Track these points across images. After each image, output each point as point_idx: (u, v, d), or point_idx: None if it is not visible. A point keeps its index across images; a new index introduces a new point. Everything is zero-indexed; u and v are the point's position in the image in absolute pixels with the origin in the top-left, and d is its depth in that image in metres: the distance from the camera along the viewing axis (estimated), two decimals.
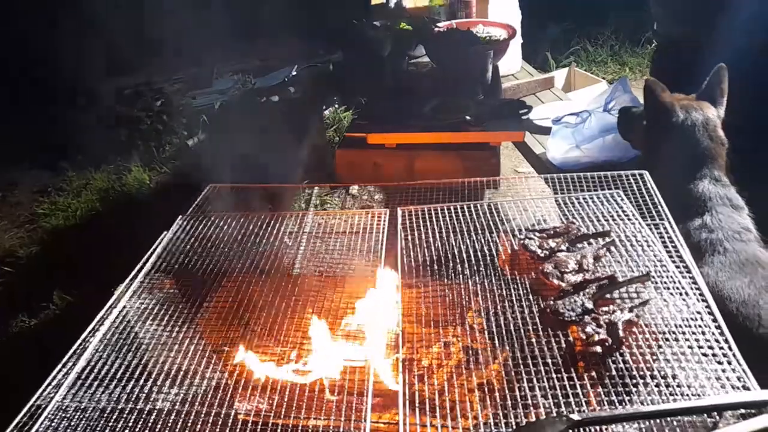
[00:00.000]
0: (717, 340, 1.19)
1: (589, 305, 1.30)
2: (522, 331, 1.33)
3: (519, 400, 1.19)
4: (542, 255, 1.46)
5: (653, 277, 1.34)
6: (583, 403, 1.15)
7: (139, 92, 5.31)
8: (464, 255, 1.55)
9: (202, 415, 1.12)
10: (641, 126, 1.91)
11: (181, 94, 5.41)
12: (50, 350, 2.48)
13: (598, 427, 1.11)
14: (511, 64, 3.36)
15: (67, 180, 4.47)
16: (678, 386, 1.14)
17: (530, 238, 1.52)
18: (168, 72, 5.65)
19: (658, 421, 1.09)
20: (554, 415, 1.11)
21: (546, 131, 2.57)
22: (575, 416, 1.06)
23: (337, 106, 4.70)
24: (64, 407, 1.11)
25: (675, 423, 1.08)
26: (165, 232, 1.64)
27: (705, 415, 1.08)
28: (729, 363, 1.14)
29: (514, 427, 1.14)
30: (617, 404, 1.14)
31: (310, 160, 3.89)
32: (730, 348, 1.16)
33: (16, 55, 5.30)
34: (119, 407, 1.12)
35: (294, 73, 5.21)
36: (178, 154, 4.71)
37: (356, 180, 2.26)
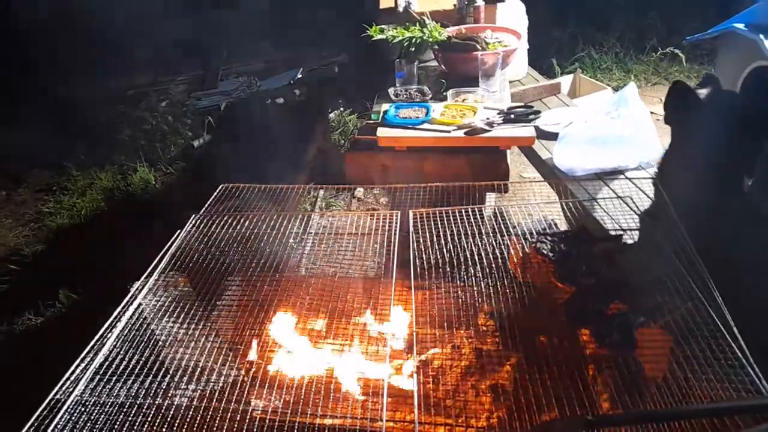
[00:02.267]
0: (729, 345, 1.19)
1: (602, 308, 1.32)
2: (535, 333, 1.34)
3: (532, 401, 1.20)
4: (554, 258, 1.48)
5: (665, 281, 1.35)
6: (597, 405, 1.16)
7: (143, 93, 5.33)
8: (476, 258, 1.56)
9: (220, 411, 1.13)
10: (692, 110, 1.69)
11: (186, 95, 5.43)
12: (59, 348, 2.50)
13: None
14: (518, 69, 3.39)
15: (72, 179, 4.48)
16: (690, 389, 1.15)
17: (542, 242, 1.53)
18: (173, 73, 5.67)
19: (671, 423, 1.11)
20: (569, 415, 1.12)
21: (553, 137, 2.59)
22: (589, 416, 1.07)
23: (342, 109, 4.73)
24: (83, 401, 1.12)
25: (688, 425, 1.09)
26: (179, 231, 1.65)
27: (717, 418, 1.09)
28: (742, 368, 1.15)
29: (529, 427, 1.16)
30: (630, 406, 1.15)
31: (315, 163, 3.91)
32: (742, 353, 1.17)
33: (20, 55, 5.32)
34: (138, 402, 1.13)
35: (299, 75, 5.23)
36: (183, 154, 4.72)
37: (365, 182, 2.27)
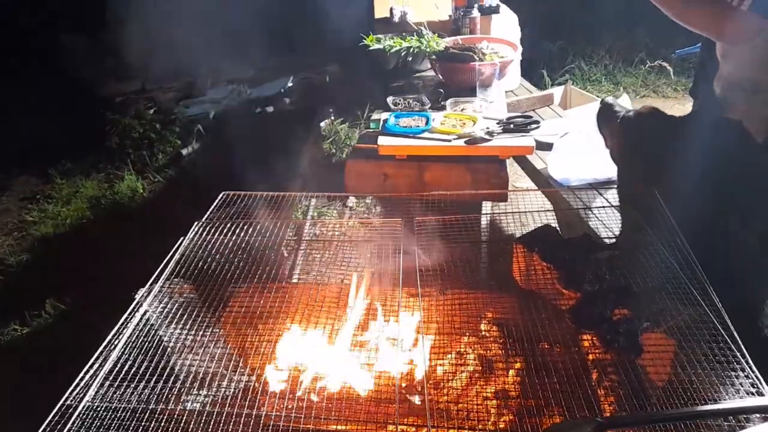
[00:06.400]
0: (730, 349, 1.23)
1: (606, 314, 1.35)
2: (540, 339, 1.36)
3: (542, 405, 1.22)
4: (559, 265, 1.50)
5: (666, 287, 1.38)
6: (605, 408, 1.18)
7: (132, 100, 5.29)
8: (480, 265, 1.58)
9: (233, 416, 1.12)
10: (620, 128, 1.74)
11: (175, 102, 5.39)
12: (49, 358, 2.45)
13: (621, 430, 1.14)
14: (511, 80, 3.44)
15: (56, 187, 4.41)
16: (695, 391, 1.18)
17: (546, 249, 1.56)
18: (161, 80, 5.63)
19: (678, 423, 1.13)
20: (579, 417, 1.14)
21: (547, 147, 2.64)
22: (599, 418, 1.09)
23: (333, 118, 4.75)
24: (94, 407, 1.10)
25: (693, 426, 1.12)
26: (182, 238, 1.64)
27: (721, 419, 1.12)
28: (743, 370, 1.18)
29: (540, 430, 1.17)
30: (637, 409, 1.18)
31: (307, 172, 3.91)
32: (743, 356, 1.21)
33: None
34: (150, 407, 1.12)
35: (290, 84, 5.24)
36: (171, 163, 4.68)
37: (365, 190, 2.28)
